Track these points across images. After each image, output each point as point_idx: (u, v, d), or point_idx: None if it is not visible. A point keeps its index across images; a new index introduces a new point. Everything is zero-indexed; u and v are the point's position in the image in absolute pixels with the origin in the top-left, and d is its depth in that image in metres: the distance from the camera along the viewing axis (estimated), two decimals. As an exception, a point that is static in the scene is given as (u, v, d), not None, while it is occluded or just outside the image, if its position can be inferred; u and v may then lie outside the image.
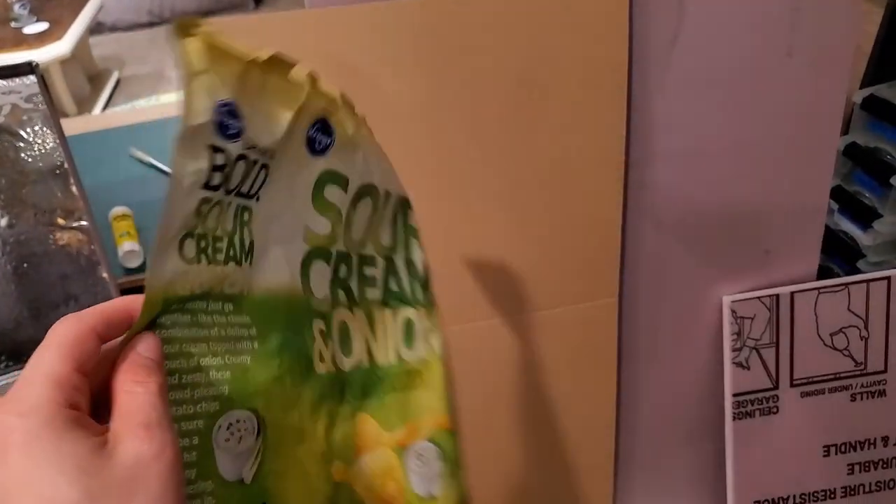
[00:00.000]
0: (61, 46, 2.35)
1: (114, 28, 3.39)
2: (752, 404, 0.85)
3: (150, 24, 3.40)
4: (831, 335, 0.84)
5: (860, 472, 0.89)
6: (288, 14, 0.61)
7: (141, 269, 0.82)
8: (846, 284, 0.82)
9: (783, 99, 0.72)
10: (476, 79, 0.64)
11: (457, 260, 0.72)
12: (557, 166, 0.69)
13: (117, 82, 3.00)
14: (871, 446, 0.88)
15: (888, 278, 0.82)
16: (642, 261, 0.79)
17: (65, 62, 2.44)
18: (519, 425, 0.83)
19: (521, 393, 0.81)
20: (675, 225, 0.77)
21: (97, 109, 2.74)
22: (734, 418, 0.85)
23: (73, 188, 0.59)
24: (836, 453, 0.88)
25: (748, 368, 0.84)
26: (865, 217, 1.22)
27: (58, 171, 0.57)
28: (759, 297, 0.82)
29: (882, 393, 0.86)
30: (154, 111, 1.23)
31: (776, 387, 0.85)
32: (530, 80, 0.65)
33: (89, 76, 2.88)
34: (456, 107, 0.65)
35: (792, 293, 0.82)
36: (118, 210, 0.88)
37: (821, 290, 0.82)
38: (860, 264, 1.27)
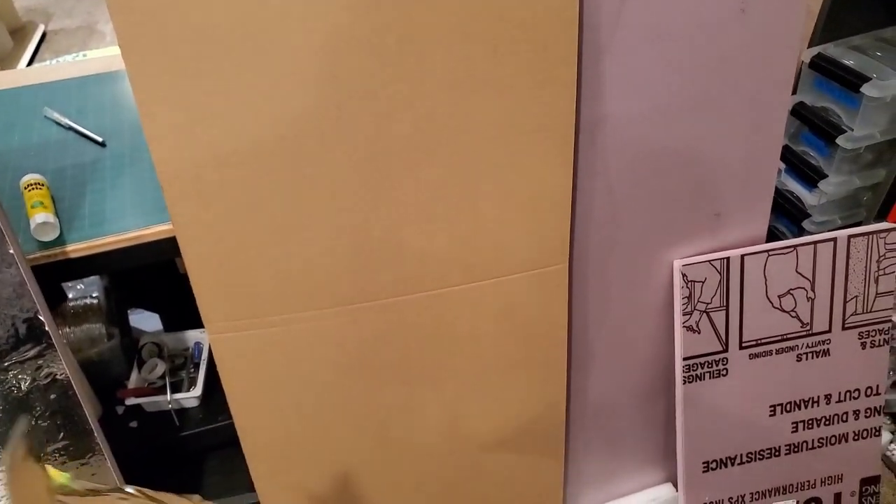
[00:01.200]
0: (-24, -3, 2.17)
1: (37, -23, 3.15)
2: (702, 367, 0.85)
3: (78, -26, 3.17)
4: (779, 297, 0.84)
5: (804, 429, 0.91)
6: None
7: (56, 242, 0.74)
8: (794, 246, 0.82)
9: (736, 56, 0.70)
10: (417, 33, 0.60)
11: (404, 229, 0.69)
12: (505, 129, 0.66)
13: (43, 36, 2.80)
14: (815, 404, 0.90)
15: (834, 240, 0.82)
16: (593, 225, 0.77)
17: (-19, 14, 2.26)
18: (471, 392, 0.82)
19: (472, 360, 0.79)
20: (627, 188, 0.75)
21: (21, 65, 2.56)
22: (684, 381, 0.85)
23: (-35, 156, 0.52)
24: (782, 412, 0.90)
25: (699, 332, 0.83)
26: (811, 177, 1.23)
27: (-55, 138, 0.51)
28: (709, 261, 0.81)
29: (826, 353, 0.87)
30: (74, 67, 1.10)
31: (726, 350, 0.85)
32: (475, 36, 0.61)
33: (11, 30, 2.68)
34: (396, 63, 0.61)
35: (742, 256, 0.81)
36: (30, 178, 0.79)
37: (770, 253, 0.82)
38: (806, 224, 1.29)
